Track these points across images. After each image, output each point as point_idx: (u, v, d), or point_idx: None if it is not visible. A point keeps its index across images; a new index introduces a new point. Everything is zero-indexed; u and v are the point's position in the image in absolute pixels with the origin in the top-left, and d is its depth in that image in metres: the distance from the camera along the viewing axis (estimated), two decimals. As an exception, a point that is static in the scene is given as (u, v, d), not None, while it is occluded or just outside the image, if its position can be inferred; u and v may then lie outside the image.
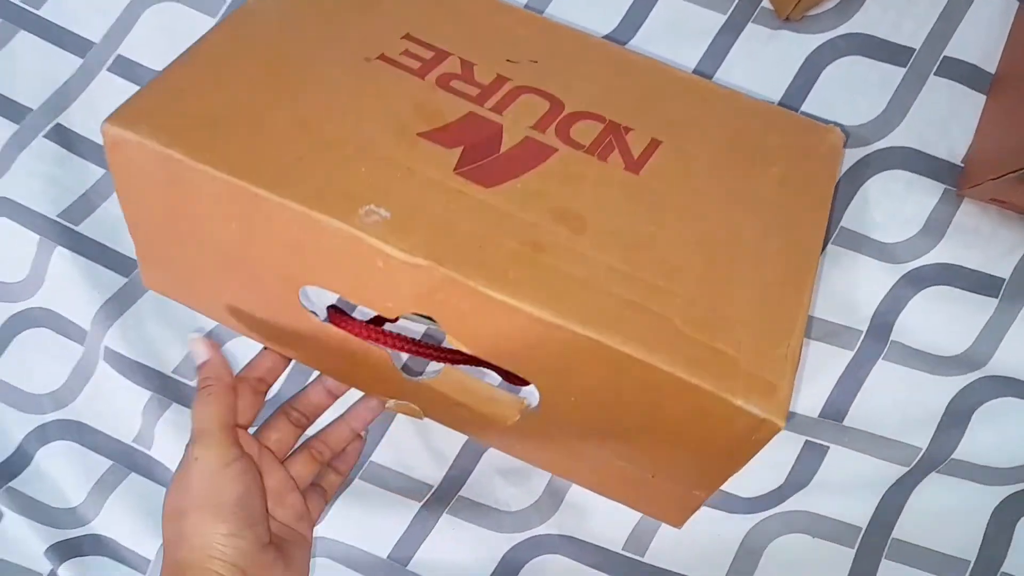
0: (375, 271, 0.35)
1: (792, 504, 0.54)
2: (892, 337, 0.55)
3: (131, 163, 0.37)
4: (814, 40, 0.57)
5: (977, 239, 0.55)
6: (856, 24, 0.57)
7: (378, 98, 0.40)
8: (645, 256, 0.37)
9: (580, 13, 0.58)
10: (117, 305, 0.57)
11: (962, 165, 0.56)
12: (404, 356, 0.55)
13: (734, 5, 0.58)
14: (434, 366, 0.53)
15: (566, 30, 0.48)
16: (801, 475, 0.55)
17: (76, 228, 0.58)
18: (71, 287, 0.58)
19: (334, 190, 0.35)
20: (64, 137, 0.59)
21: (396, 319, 0.45)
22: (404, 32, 0.44)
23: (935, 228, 0.56)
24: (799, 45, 0.57)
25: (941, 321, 0.55)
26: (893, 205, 0.56)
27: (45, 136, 0.59)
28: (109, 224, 0.59)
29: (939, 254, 0.55)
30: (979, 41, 0.56)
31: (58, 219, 0.58)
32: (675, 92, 0.46)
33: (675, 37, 0.58)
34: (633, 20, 0.58)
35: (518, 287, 0.34)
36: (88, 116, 0.60)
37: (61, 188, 0.59)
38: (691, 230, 0.39)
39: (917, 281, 0.55)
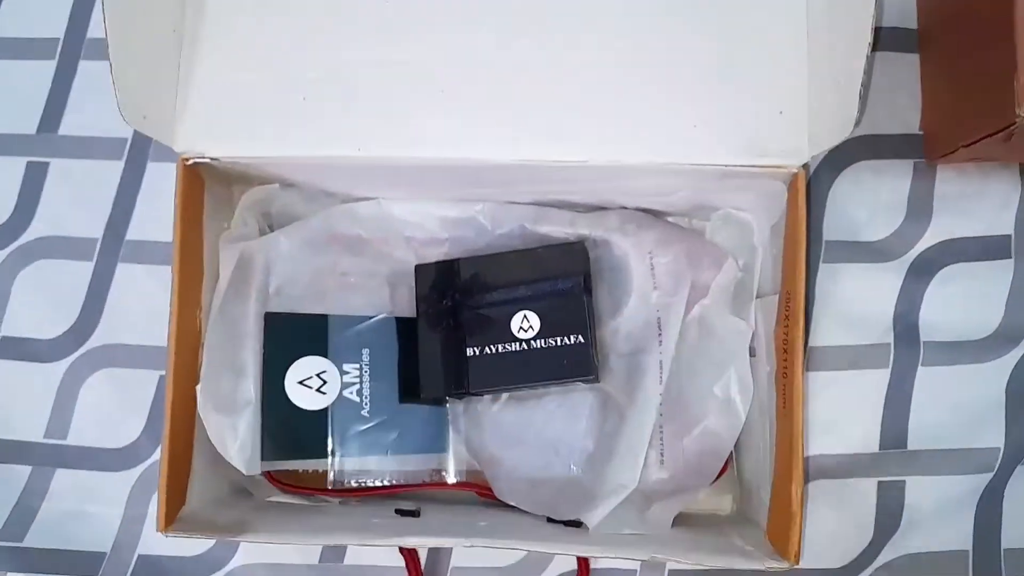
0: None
1: (889, 554, 0.49)
2: (922, 338, 0.50)
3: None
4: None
5: (967, 204, 0.51)
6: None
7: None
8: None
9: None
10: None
11: (921, 132, 0.51)
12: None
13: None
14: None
15: None
16: (887, 521, 0.49)
17: (21, 544, 0.51)
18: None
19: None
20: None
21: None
22: None
23: (920, 208, 0.51)
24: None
25: (964, 303, 0.50)
26: (868, 199, 0.51)
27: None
28: (55, 524, 0.52)
29: (934, 234, 0.50)
30: (892, 1, 0.52)
31: (-4, 544, 0.51)
32: None
33: None
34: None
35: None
36: (-10, 416, 0.53)
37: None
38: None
39: (923, 270, 0.50)
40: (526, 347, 0.44)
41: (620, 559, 0.39)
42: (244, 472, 0.44)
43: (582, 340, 0.44)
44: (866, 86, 0.38)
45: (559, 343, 0.44)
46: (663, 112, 0.40)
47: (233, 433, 0.43)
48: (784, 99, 0.39)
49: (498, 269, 0.46)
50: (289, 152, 0.41)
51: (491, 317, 0.45)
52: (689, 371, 0.45)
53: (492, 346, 0.45)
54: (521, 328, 0.45)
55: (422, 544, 0.42)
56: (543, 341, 0.44)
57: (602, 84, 0.41)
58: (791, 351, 0.39)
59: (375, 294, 0.47)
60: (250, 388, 0.44)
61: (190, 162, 0.41)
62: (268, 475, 0.46)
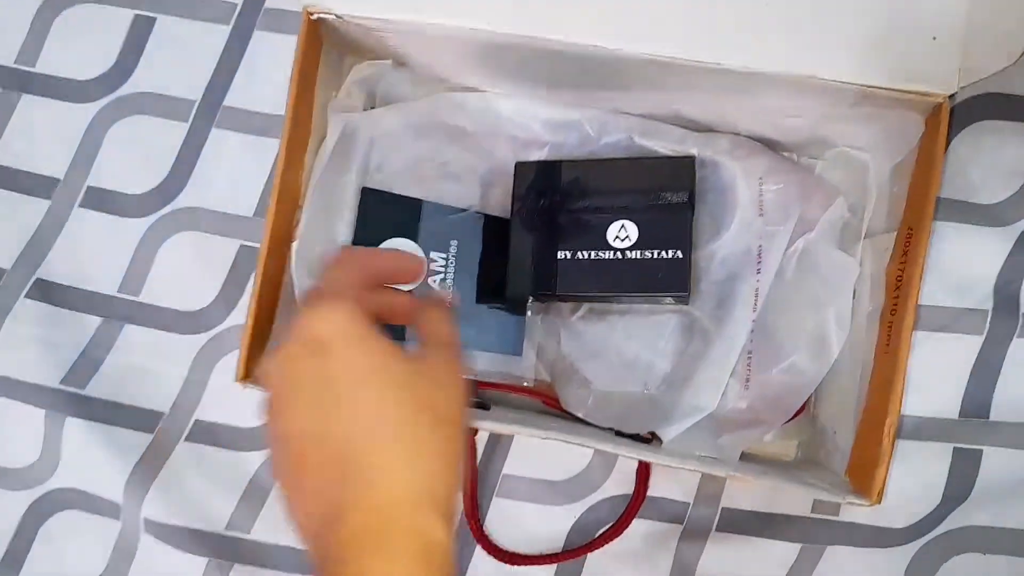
0: None
1: (954, 522, 0.47)
2: (1022, 310, 0.48)
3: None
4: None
5: (1091, 178, 0.48)
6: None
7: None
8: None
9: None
10: (148, 468, 0.50)
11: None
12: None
13: None
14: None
15: None
16: (958, 488, 0.47)
17: (83, 392, 0.51)
18: (92, 459, 0.51)
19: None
20: (47, 292, 0.53)
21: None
22: None
23: (1040, 176, 0.49)
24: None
25: (1072, 278, 0.48)
26: (987, 160, 0.49)
27: (27, 296, 0.53)
28: (118, 377, 0.52)
29: (1052, 205, 0.48)
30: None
31: (61, 386, 0.51)
32: None
33: None
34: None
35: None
36: (69, 263, 0.53)
37: (57, 351, 0.52)
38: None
39: (1034, 241, 0.48)
40: (620, 256, 0.43)
41: (691, 471, 0.38)
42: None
43: (680, 256, 0.42)
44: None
45: (655, 256, 0.43)
46: (806, 23, 0.38)
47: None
48: (939, 24, 0.38)
49: (600, 175, 0.45)
50: (415, 17, 0.40)
51: (588, 222, 0.44)
52: (784, 305, 0.44)
53: (585, 252, 0.44)
54: (617, 237, 0.44)
55: (496, 429, 0.42)
56: (639, 252, 0.43)
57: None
58: (905, 288, 0.38)
59: (470, 187, 0.47)
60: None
61: (315, 16, 0.40)
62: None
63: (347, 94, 0.46)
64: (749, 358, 0.44)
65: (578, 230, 0.44)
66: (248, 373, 0.40)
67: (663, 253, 0.43)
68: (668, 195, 0.43)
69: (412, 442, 0.29)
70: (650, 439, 0.44)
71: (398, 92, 0.46)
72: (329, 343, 0.29)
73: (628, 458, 0.41)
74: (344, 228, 0.44)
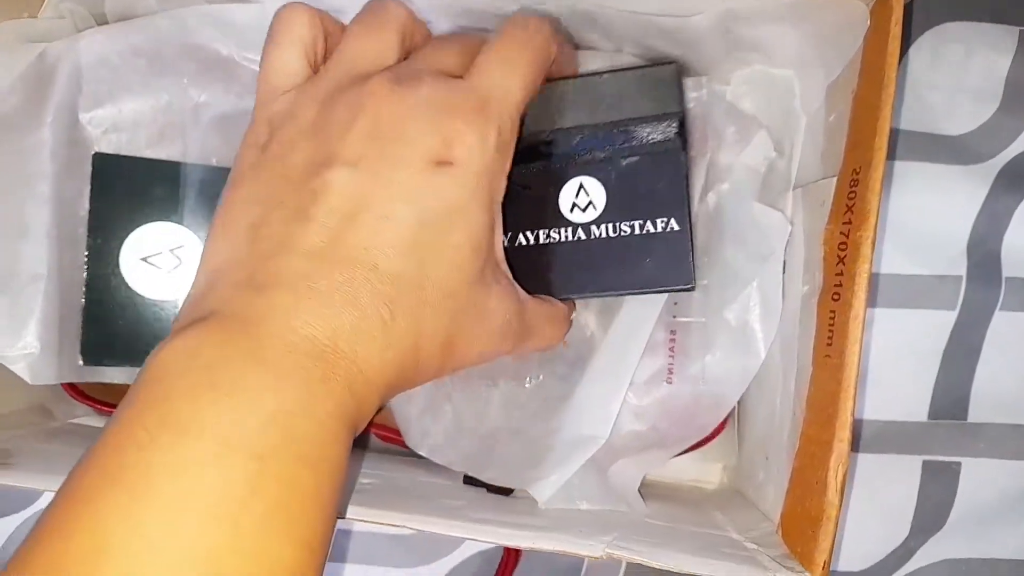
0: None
1: (926, 556, 0.36)
2: (1005, 273, 0.36)
3: None
4: None
5: (1086, 94, 0.37)
6: None
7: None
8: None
9: None
10: None
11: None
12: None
13: None
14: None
15: None
16: (930, 514, 0.36)
17: None
18: None
19: None
20: None
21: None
22: None
23: (1021, 96, 0.37)
24: None
25: (1065, 229, 0.36)
26: (950, 78, 0.37)
27: None
28: None
29: (1037, 132, 0.37)
30: None
31: None
32: None
33: None
34: None
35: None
36: None
37: None
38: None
39: (1017, 180, 0.36)
40: (582, 236, 0.29)
41: (563, 551, 0.26)
42: (28, 380, 0.30)
43: (676, 226, 0.28)
44: None
45: (636, 231, 0.28)
46: None
47: (11, 323, 0.29)
48: None
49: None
50: None
51: (525, 187, 0.29)
52: (700, 289, 0.31)
53: (525, 235, 0.29)
54: (576, 206, 0.29)
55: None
56: (610, 227, 0.28)
57: None
58: (851, 261, 0.26)
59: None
60: (40, 256, 0.30)
61: None
62: (70, 388, 0.32)
63: (55, 12, 0.31)
64: (671, 357, 0.31)
65: (510, 202, 0.27)
66: None
67: (648, 225, 0.28)
68: (644, 130, 0.28)
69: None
70: (509, 490, 0.32)
71: (136, 7, 0.32)
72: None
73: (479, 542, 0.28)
74: (42, 210, 0.30)
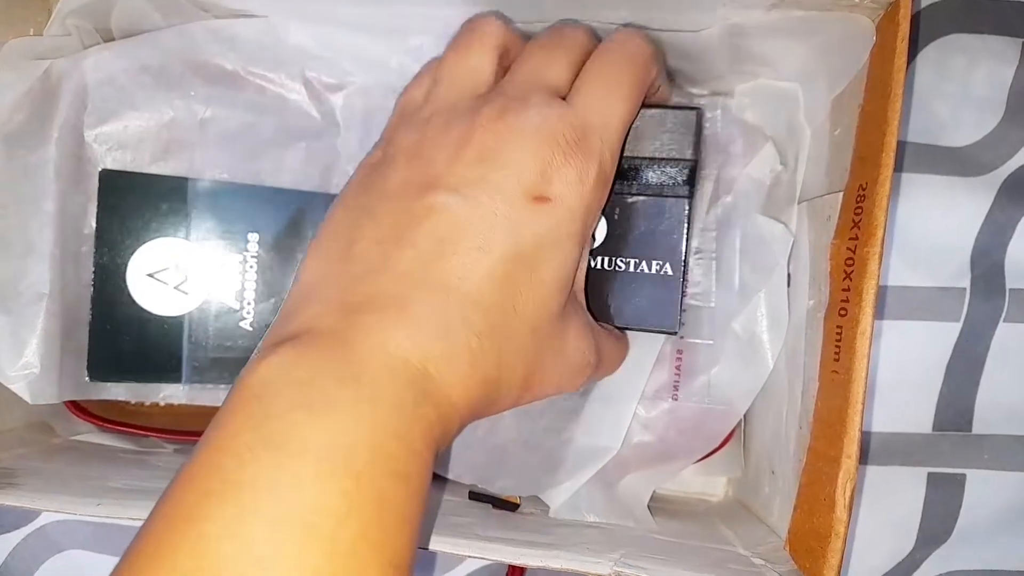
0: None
1: (931, 568, 0.36)
2: (1008, 285, 0.36)
3: None
4: None
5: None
6: None
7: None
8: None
9: None
10: None
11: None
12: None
13: None
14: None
15: None
16: (935, 526, 0.36)
17: None
18: None
19: None
20: None
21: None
22: None
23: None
24: None
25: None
26: (954, 88, 0.37)
27: None
28: None
29: (1042, 143, 0.37)
30: None
31: None
32: None
33: None
34: None
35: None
36: None
37: None
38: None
39: (1020, 192, 0.36)
40: None
41: (572, 569, 0.26)
42: (28, 400, 0.30)
43: (670, 271, 0.28)
44: None
45: (628, 268, 0.28)
46: None
47: (12, 342, 0.29)
48: None
49: None
50: None
51: None
52: (698, 296, 0.31)
53: None
54: None
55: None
56: (604, 260, 0.29)
57: None
58: (858, 276, 0.25)
59: (261, 154, 0.33)
60: (43, 274, 0.30)
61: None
62: (73, 405, 0.32)
63: (61, 30, 0.31)
64: (677, 375, 0.32)
65: None
66: None
67: (643, 265, 0.28)
68: (655, 171, 0.28)
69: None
70: (515, 505, 0.32)
71: (141, 23, 0.32)
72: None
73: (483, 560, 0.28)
74: (46, 227, 0.30)
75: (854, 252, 0.26)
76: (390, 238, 0.22)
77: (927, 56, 0.37)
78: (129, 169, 0.33)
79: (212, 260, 0.33)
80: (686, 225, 0.28)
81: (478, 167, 0.23)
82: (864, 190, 0.26)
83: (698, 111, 0.28)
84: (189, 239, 0.33)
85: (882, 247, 0.25)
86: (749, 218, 0.30)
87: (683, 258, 0.28)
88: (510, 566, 0.35)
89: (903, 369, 0.36)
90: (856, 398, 0.25)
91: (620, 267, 0.28)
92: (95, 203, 0.32)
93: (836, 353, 0.26)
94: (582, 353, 0.25)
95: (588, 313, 0.27)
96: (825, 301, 0.28)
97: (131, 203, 0.33)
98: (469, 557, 0.37)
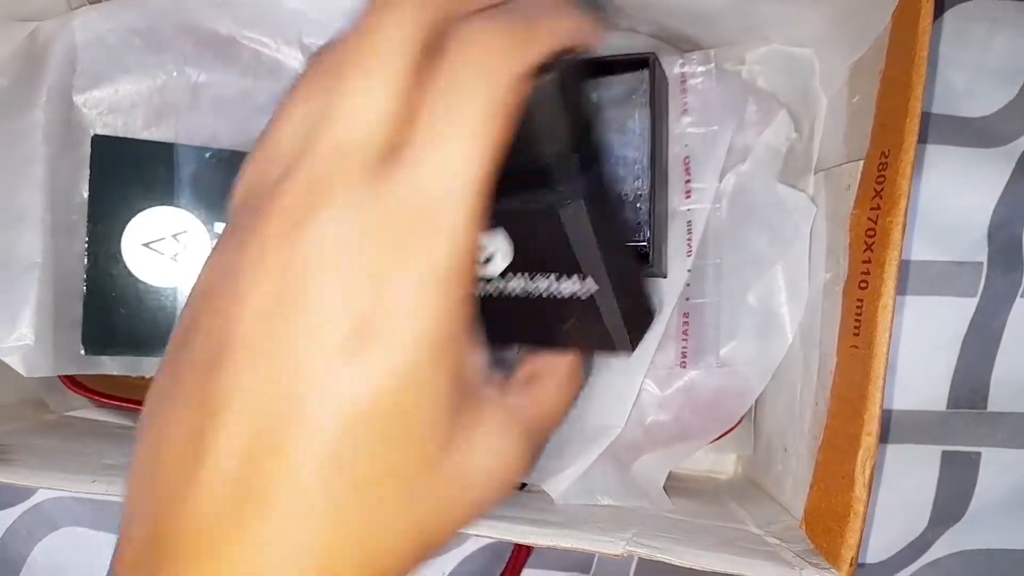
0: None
1: (945, 547, 0.36)
2: (1026, 259, 0.35)
3: None
4: None
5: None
6: None
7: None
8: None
9: None
10: None
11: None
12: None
13: None
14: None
15: None
16: (950, 504, 0.36)
17: None
18: None
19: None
20: None
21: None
22: None
23: (1046, 76, 0.36)
24: None
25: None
26: (972, 58, 0.36)
27: None
28: None
29: (1063, 114, 0.35)
30: None
31: None
32: None
33: None
34: None
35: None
36: None
37: None
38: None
39: (1039, 164, 0.35)
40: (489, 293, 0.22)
41: (582, 548, 0.25)
42: (23, 373, 0.29)
43: (596, 286, 0.21)
44: None
45: (546, 293, 0.21)
46: None
47: (6, 313, 0.28)
48: None
49: None
50: None
51: None
52: (712, 270, 0.30)
53: None
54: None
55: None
56: (518, 284, 0.21)
57: None
58: (880, 247, 0.25)
59: (247, 120, 0.32)
60: (35, 242, 0.29)
61: None
62: (68, 380, 0.31)
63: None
64: (684, 341, 0.31)
65: None
66: None
67: (559, 285, 0.21)
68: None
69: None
70: (522, 483, 0.31)
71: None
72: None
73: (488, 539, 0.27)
74: (36, 195, 0.29)
75: (876, 222, 0.25)
76: (192, 440, 0.17)
77: (944, 24, 0.35)
78: (121, 135, 0.32)
79: (209, 229, 0.32)
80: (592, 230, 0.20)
81: (275, 311, 0.16)
82: (886, 157, 0.25)
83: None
84: (185, 207, 0.32)
85: (905, 216, 0.24)
86: (767, 186, 0.29)
87: (604, 268, 0.21)
88: (516, 545, 0.35)
89: (918, 345, 0.35)
90: (877, 374, 0.24)
91: (538, 288, 0.21)
92: (86, 169, 0.31)
93: (856, 327, 0.25)
94: (498, 462, 0.19)
95: (507, 394, 0.20)
96: (844, 274, 0.27)
97: (125, 170, 0.32)
98: (474, 536, 0.36)
